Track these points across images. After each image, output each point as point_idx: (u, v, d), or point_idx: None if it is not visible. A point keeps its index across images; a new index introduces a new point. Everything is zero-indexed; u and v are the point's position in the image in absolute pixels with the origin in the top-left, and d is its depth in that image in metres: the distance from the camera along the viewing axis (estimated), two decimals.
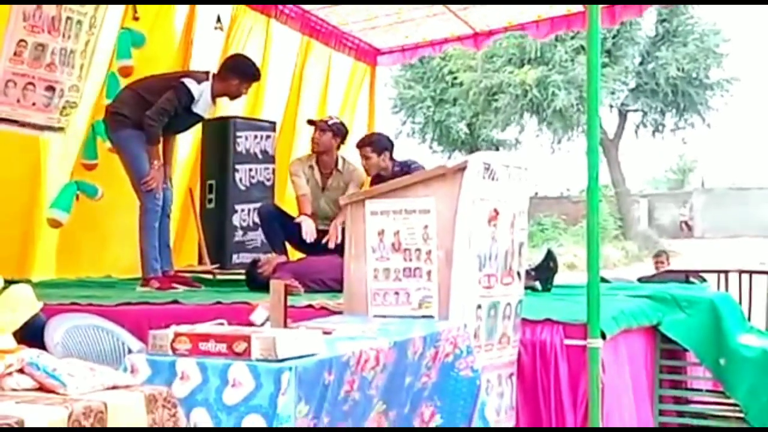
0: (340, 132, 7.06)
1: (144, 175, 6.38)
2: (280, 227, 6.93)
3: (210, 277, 7.49)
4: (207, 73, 6.66)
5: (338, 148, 7.08)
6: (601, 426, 4.29)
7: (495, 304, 4.01)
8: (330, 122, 7.07)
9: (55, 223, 7.18)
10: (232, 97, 6.87)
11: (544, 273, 6.19)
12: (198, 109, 6.56)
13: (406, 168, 6.76)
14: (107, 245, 7.80)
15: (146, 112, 6.34)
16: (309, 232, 6.66)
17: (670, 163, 51.71)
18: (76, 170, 7.44)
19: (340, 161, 7.07)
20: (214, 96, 6.65)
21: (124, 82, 7.27)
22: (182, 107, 6.46)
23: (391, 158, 7.10)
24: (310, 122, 7.32)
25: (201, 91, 6.47)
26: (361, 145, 7.20)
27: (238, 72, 6.67)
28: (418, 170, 6.30)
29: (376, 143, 7.16)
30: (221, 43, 8.49)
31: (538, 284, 6.02)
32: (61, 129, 7.15)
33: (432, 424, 3.47)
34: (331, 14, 9.20)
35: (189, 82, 6.45)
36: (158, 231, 6.49)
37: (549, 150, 31.74)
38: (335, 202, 6.74)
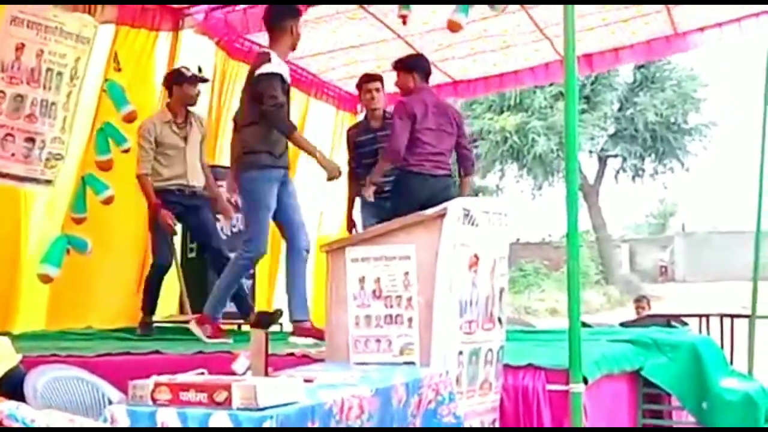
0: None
1: (262, 227, 6.05)
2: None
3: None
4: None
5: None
6: None
7: (476, 350, 4.01)
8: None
9: (46, 279, 7.12)
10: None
11: None
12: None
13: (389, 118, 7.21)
14: (91, 297, 7.71)
15: (261, 107, 5.88)
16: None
17: (651, 208, 52.07)
18: (66, 224, 7.36)
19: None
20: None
21: (128, 128, 7.37)
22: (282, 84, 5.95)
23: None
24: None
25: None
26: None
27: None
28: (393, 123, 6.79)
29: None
30: (207, 92, 8.32)
31: None
32: (48, 182, 7.12)
33: None
34: (312, 63, 9.28)
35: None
36: None
37: (530, 196, 31.89)
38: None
